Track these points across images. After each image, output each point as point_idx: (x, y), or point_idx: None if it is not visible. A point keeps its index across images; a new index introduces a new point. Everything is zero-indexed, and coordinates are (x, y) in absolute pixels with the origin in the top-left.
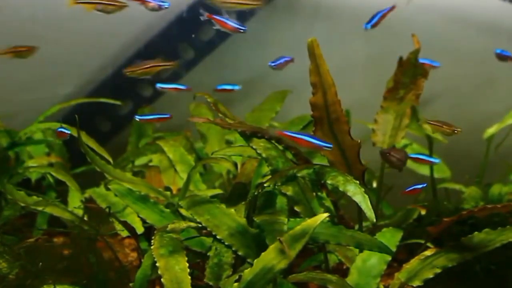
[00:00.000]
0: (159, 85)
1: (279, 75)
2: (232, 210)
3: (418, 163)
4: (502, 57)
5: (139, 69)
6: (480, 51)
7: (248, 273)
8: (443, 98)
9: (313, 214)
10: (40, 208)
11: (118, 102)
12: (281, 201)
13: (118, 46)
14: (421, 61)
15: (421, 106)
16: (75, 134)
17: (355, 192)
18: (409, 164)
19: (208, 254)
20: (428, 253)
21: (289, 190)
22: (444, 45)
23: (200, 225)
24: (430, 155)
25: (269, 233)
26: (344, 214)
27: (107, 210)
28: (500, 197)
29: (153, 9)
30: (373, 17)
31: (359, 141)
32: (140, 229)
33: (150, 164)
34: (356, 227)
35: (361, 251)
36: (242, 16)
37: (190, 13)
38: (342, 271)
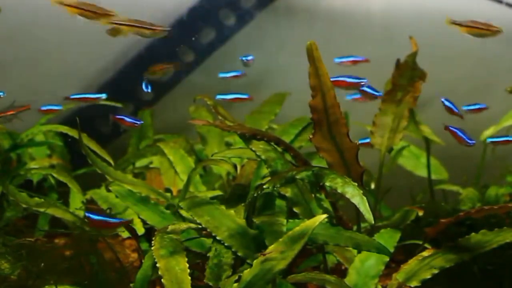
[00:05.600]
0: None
1: (278, 78)
2: (232, 211)
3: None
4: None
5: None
6: (477, 54)
7: (247, 273)
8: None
9: (312, 215)
10: (41, 210)
11: (119, 105)
12: (280, 203)
13: (119, 49)
14: None
15: (418, 108)
16: (76, 136)
17: (354, 194)
18: (407, 165)
19: (208, 254)
20: (425, 253)
21: (288, 192)
22: (441, 48)
23: (200, 226)
24: (428, 157)
25: (268, 234)
26: (343, 215)
27: (108, 211)
28: (496, 198)
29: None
30: None
31: (357, 143)
32: (140, 230)
33: (151, 166)
34: (355, 228)
35: (359, 252)
36: (241, 19)
37: (190, 16)
38: (340, 271)
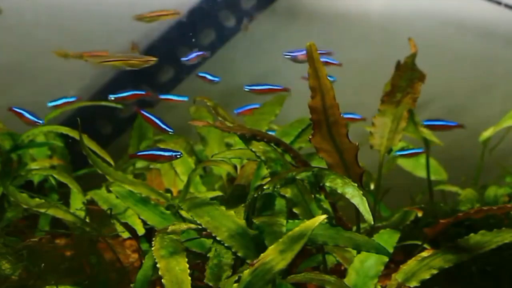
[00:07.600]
0: None
1: (278, 79)
2: (232, 212)
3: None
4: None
5: None
6: (476, 55)
7: (247, 274)
8: (440, 101)
9: (311, 215)
10: (42, 210)
11: (119, 106)
12: (280, 203)
13: (119, 50)
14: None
15: (417, 110)
16: (76, 137)
17: (353, 194)
18: (406, 166)
19: (208, 255)
20: (425, 254)
21: (288, 192)
22: (440, 49)
23: (200, 227)
24: (427, 158)
25: (268, 235)
26: (342, 215)
27: (108, 212)
28: (495, 199)
29: None
30: None
31: (357, 143)
32: (141, 231)
33: (151, 166)
34: (354, 228)
35: (358, 252)
36: (241, 21)
37: (190, 18)
38: (340, 272)
